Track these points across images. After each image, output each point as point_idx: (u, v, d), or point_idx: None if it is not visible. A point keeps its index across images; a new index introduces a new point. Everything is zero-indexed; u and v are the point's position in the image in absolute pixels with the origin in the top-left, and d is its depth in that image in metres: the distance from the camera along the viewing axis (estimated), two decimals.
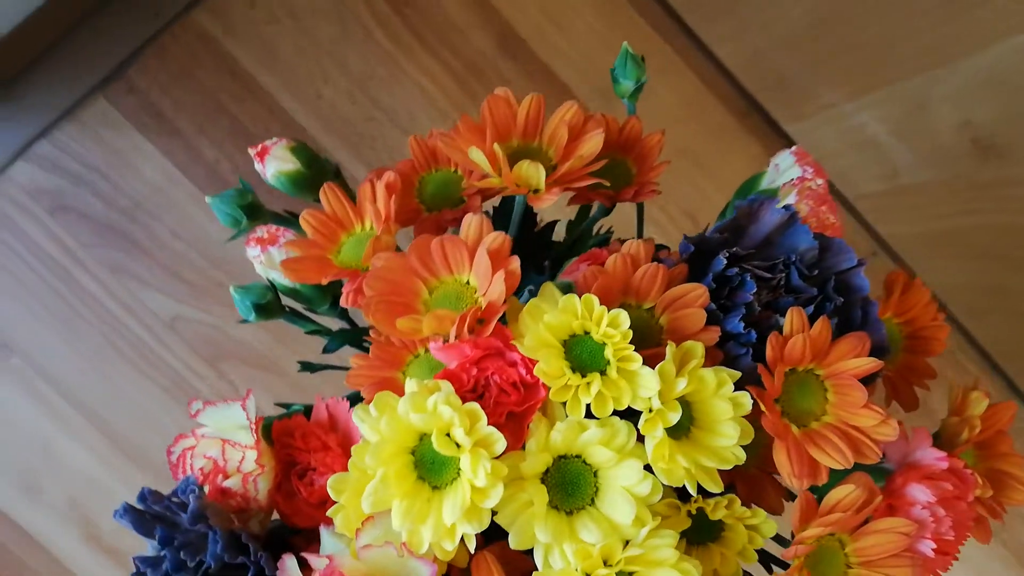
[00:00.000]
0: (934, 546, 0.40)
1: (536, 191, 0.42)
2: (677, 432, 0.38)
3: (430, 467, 0.36)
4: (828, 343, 0.40)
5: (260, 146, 0.42)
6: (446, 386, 0.35)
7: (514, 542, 0.36)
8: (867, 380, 0.44)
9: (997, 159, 0.80)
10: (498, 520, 0.36)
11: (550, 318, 0.37)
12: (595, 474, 0.38)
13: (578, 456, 0.38)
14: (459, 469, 0.35)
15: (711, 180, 1.05)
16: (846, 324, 0.43)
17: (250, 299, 0.46)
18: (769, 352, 0.39)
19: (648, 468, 0.36)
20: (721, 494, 0.39)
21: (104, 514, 0.94)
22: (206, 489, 0.41)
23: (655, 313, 0.41)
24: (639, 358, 0.37)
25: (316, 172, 0.44)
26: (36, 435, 0.92)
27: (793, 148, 0.52)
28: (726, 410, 0.38)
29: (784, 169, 0.52)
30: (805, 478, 0.38)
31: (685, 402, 0.38)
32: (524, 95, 0.42)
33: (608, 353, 0.37)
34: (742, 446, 0.38)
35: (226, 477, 0.41)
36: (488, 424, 0.36)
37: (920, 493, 0.41)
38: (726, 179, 1.06)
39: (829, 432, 0.39)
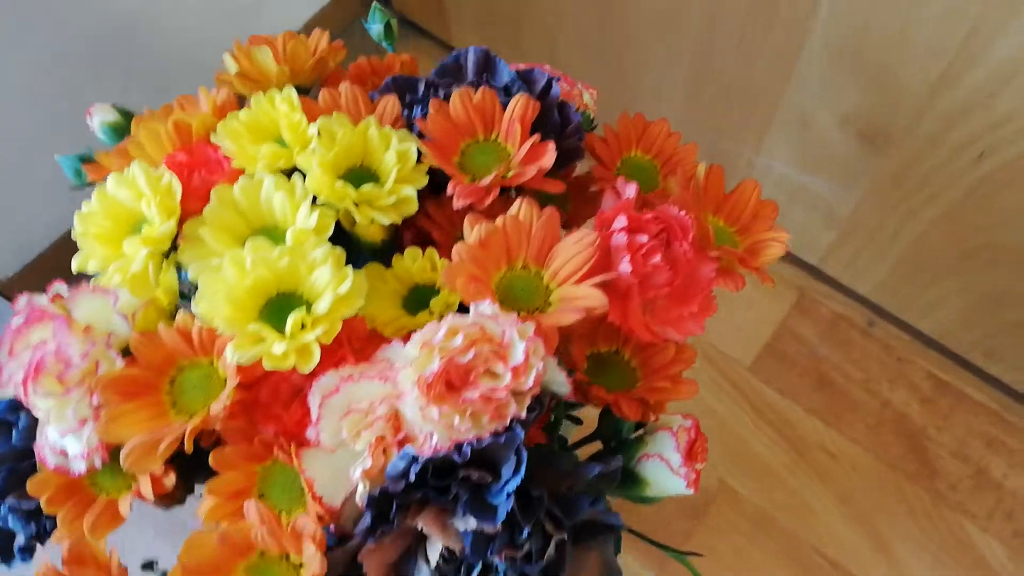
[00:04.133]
0: (630, 265, 0.40)
1: None
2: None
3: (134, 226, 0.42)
4: (495, 110, 0.44)
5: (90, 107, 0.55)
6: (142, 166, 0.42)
7: (192, 274, 0.40)
8: (571, 157, 0.47)
9: (886, 143, 0.81)
10: (182, 260, 0.41)
11: (243, 115, 0.44)
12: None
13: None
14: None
15: None
16: (548, 128, 0.47)
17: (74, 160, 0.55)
18: (430, 122, 0.44)
19: None
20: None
21: None
22: None
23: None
24: (304, 123, 0.43)
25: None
26: None
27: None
28: (391, 160, 0.42)
29: None
30: (463, 198, 0.41)
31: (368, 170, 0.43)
32: None
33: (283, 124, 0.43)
34: None
35: None
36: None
37: (619, 221, 0.41)
38: None
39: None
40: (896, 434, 1.00)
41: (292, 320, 0.37)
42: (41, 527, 0.42)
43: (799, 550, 0.94)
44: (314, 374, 0.39)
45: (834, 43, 0.76)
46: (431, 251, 0.42)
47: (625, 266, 0.40)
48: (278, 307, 0.39)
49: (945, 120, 0.76)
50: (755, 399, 1.01)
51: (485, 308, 0.36)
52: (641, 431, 0.43)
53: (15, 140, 0.99)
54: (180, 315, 0.38)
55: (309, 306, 0.38)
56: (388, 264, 0.44)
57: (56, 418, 0.38)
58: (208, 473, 0.41)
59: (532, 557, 0.36)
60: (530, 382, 0.35)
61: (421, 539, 0.37)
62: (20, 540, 0.42)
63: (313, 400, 0.37)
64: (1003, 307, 0.90)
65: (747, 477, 0.98)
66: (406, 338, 0.41)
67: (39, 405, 0.38)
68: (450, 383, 0.35)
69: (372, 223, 0.42)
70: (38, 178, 1.03)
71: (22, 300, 0.50)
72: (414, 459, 0.35)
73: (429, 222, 0.45)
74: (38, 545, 0.43)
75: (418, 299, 0.43)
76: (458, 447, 0.35)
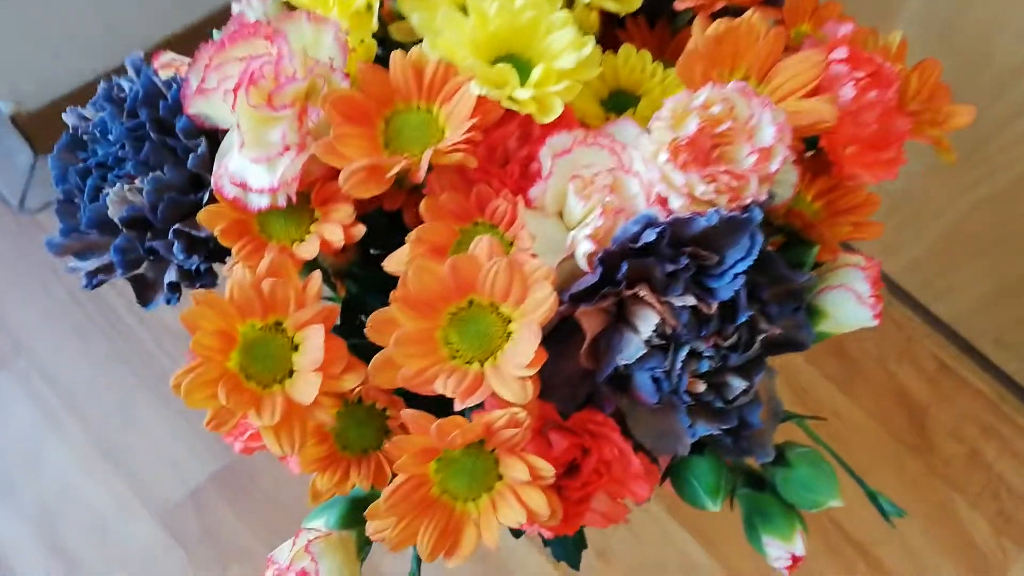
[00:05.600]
0: (854, 90, 0.40)
1: None
2: None
3: None
4: None
5: None
6: None
7: (417, 23, 0.38)
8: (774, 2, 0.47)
9: None
10: (403, 8, 0.39)
11: None
12: None
13: None
14: None
15: None
16: None
17: None
18: None
19: None
20: None
21: (73, 526, 0.87)
22: None
23: None
24: None
25: None
26: (26, 436, 0.90)
27: None
28: None
29: None
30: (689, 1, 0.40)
31: None
32: None
33: None
34: None
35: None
36: None
37: (839, 52, 0.41)
38: None
39: None
40: (900, 407, 1.03)
41: (540, 70, 0.35)
42: (198, 266, 0.39)
43: None
44: (530, 140, 0.38)
45: (932, 11, 0.79)
46: (644, 52, 0.42)
47: (848, 91, 0.40)
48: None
49: (1018, 104, 0.79)
50: (777, 359, 1.03)
51: (738, 84, 0.36)
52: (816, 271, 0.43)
53: None
54: (415, 50, 0.36)
55: None
56: None
57: (255, 141, 0.36)
58: (378, 246, 0.40)
59: (738, 348, 0.36)
60: (774, 166, 0.35)
61: (624, 319, 0.36)
62: (171, 275, 0.39)
63: (545, 156, 0.36)
64: (1023, 296, 0.94)
65: None
66: None
67: (243, 122, 0.36)
68: (695, 154, 0.35)
69: (592, 11, 0.41)
70: (78, 20, 0.97)
71: (165, 55, 0.47)
72: (650, 223, 0.34)
73: (628, 38, 0.45)
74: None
75: (616, 103, 0.42)
76: (697, 215, 0.34)
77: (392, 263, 0.37)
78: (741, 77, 0.40)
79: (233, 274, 0.34)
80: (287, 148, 0.36)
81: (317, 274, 0.35)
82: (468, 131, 0.34)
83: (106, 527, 0.87)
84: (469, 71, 0.35)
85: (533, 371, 0.32)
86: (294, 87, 0.35)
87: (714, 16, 0.42)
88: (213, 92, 0.36)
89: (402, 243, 0.39)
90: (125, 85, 0.42)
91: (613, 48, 0.44)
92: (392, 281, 0.36)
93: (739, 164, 0.35)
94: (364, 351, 0.39)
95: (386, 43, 0.42)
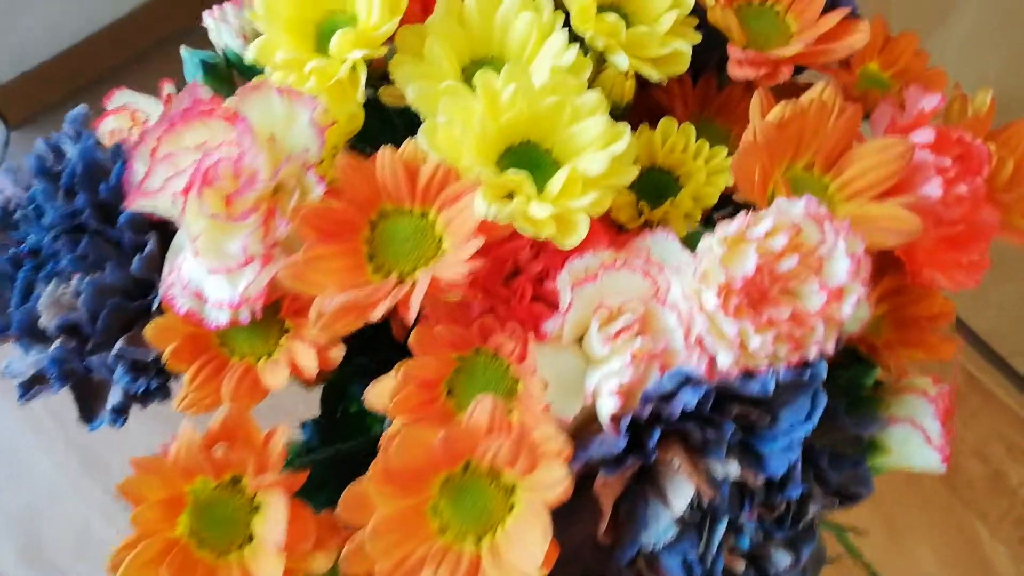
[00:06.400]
0: (941, 188, 0.33)
1: None
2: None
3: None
4: None
5: None
6: None
7: (413, 97, 0.31)
8: None
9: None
10: (396, 77, 0.31)
11: None
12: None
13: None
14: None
15: None
16: None
17: (199, 57, 0.45)
18: None
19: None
20: None
21: (51, 533, 0.83)
22: None
23: None
24: None
25: None
26: (5, 442, 0.86)
27: None
28: (665, 2, 0.34)
29: None
30: (746, 67, 0.33)
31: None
32: None
33: None
34: None
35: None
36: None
37: (923, 134, 0.34)
38: None
39: None
40: None
41: (562, 177, 0.28)
42: (148, 386, 0.33)
43: None
44: (546, 251, 0.31)
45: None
46: (687, 127, 0.34)
47: (934, 189, 0.33)
48: (517, 159, 0.30)
49: None
50: None
51: (809, 208, 0.28)
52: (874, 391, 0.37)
53: None
54: (408, 145, 0.29)
55: (555, 167, 0.30)
56: None
57: (212, 250, 0.29)
58: (362, 357, 0.34)
59: (786, 521, 0.30)
60: (847, 310, 0.28)
61: (649, 480, 0.30)
62: (116, 398, 0.33)
63: (563, 285, 0.29)
64: None
65: None
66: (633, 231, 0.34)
67: (194, 228, 0.29)
68: (751, 295, 0.28)
69: (628, 78, 0.33)
70: None
71: (119, 96, 0.40)
72: (688, 381, 0.28)
73: (668, 97, 0.37)
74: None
75: (649, 184, 0.35)
76: (748, 376, 0.28)
77: (373, 396, 0.30)
78: (804, 165, 0.33)
79: (181, 432, 0.28)
80: (250, 260, 0.29)
81: (282, 430, 0.29)
82: (471, 258, 0.28)
83: (90, 537, 0.83)
84: (475, 179, 0.28)
85: (543, 573, 0.26)
86: (257, 191, 0.28)
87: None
88: (159, 193, 0.29)
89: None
90: (65, 149, 0.35)
91: (647, 112, 0.37)
92: (380, 363, 0.30)
93: (804, 303, 0.29)
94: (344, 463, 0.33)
95: (374, 103, 0.35)
